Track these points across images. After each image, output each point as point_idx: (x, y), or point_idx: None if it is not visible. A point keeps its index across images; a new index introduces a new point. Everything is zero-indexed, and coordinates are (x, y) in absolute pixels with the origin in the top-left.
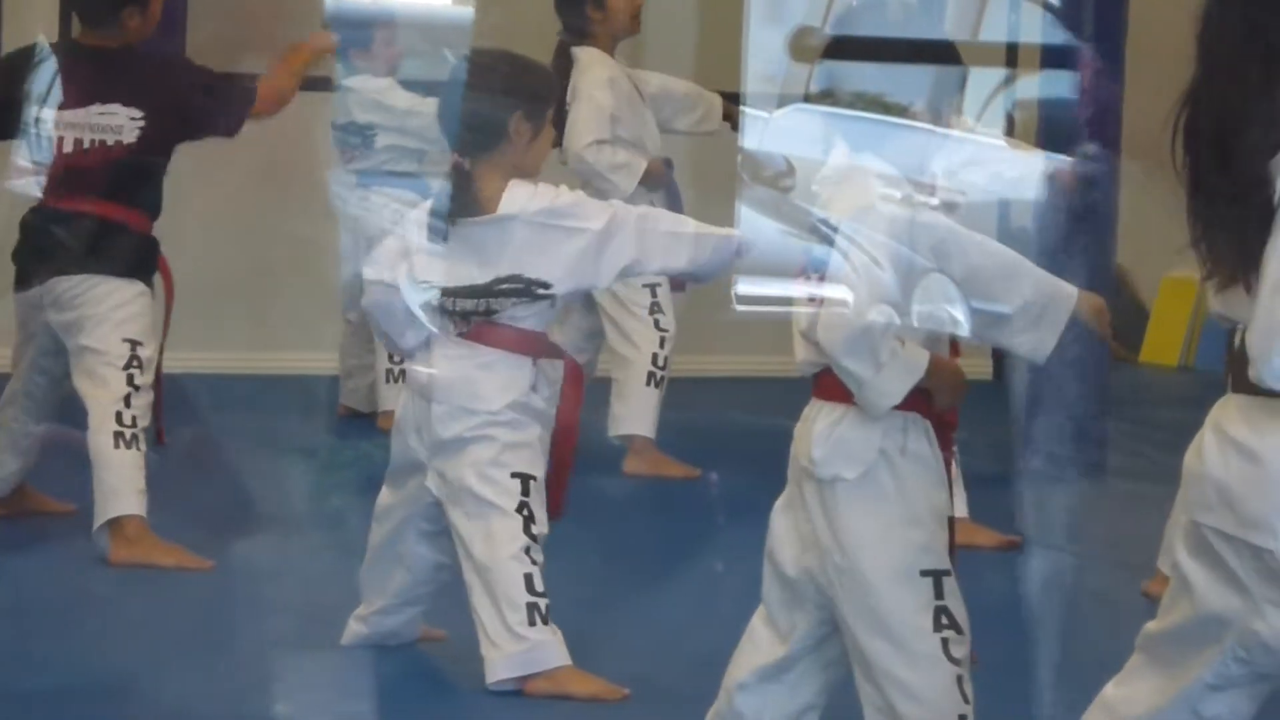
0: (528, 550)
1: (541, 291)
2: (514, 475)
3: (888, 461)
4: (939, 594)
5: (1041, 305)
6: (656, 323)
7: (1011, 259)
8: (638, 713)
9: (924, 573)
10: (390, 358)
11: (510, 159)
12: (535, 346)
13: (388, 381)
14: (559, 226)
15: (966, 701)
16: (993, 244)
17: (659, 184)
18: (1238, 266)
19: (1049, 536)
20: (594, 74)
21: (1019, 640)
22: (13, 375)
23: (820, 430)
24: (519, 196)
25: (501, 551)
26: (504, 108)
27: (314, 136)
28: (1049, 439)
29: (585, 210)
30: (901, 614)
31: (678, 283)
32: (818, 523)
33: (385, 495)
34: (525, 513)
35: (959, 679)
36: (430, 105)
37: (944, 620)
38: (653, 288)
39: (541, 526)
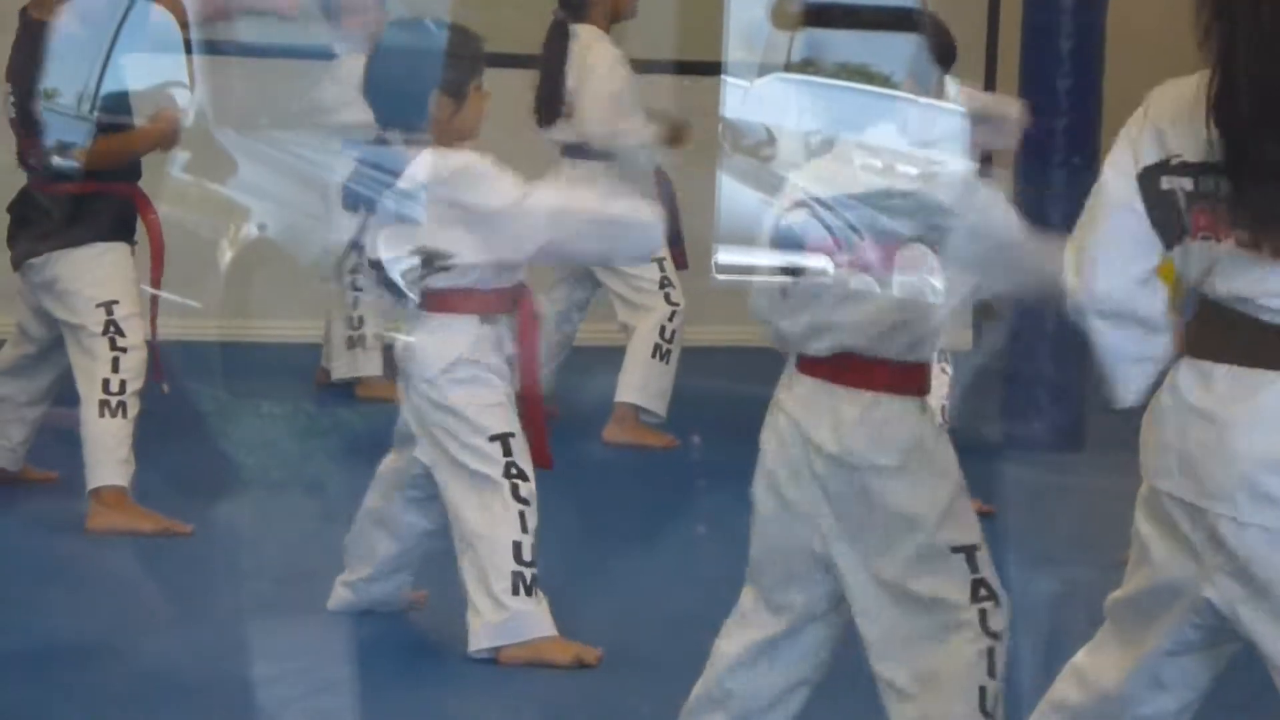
0: (521, 516)
1: (442, 263)
2: (493, 439)
3: (920, 445)
4: (974, 568)
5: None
6: (667, 296)
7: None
8: (613, 676)
9: (955, 549)
10: (349, 323)
11: (436, 133)
12: (482, 304)
13: (349, 348)
14: (462, 199)
15: (992, 675)
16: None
17: (681, 143)
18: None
19: (1024, 508)
20: (604, 50)
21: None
22: (15, 351)
23: (850, 418)
24: (424, 167)
25: (493, 519)
26: (423, 84)
27: (296, 102)
28: (1027, 408)
29: (493, 184)
30: (938, 592)
31: (679, 261)
32: (839, 506)
33: (385, 462)
34: (513, 472)
35: (990, 651)
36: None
37: (982, 592)
38: (660, 262)
39: (530, 482)
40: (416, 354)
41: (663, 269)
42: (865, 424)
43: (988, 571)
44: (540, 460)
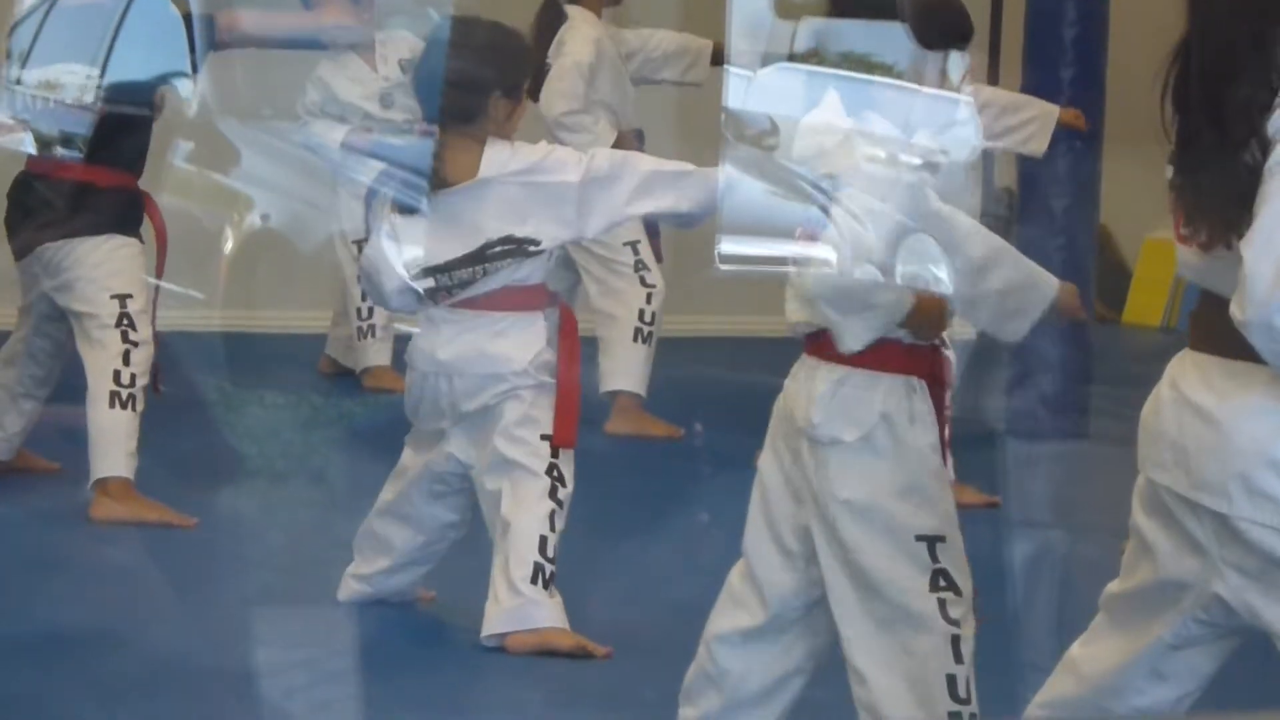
0: (551, 515)
1: (533, 249)
2: (544, 437)
3: (889, 426)
4: (934, 558)
5: (1020, 294)
6: (642, 279)
7: (996, 244)
8: (619, 663)
9: (919, 538)
10: (359, 314)
11: (486, 131)
12: (541, 300)
13: (360, 339)
14: (538, 183)
15: (959, 661)
16: (977, 229)
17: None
18: (1221, 226)
19: (1030, 497)
20: (582, 33)
21: (997, 600)
22: (14, 338)
23: (821, 392)
24: (498, 158)
25: (524, 511)
26: (483, 86)
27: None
28: (1032, 400)
29: (561, 163)
30: (896, 576)
31: (656, 247)
32: (814, 482)
33: (406, 457)
34: (554, 474)
35: (955, 639)
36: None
37: (941, 582)
38: (634, 245)
39: (568, 487)
40: (484, 356)
41: (636, 252)
42: (832, 398)
43: (950, 564)
44: (564, 438)
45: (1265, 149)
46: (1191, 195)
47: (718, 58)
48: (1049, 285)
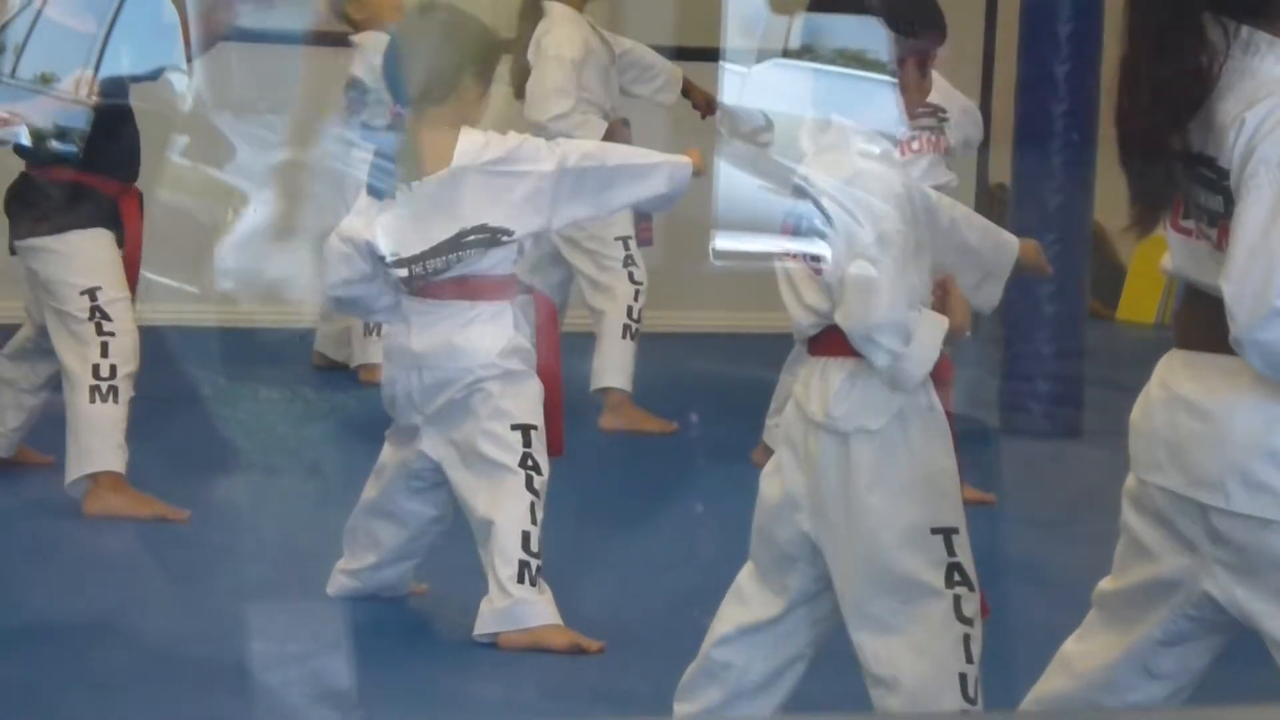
0: (531, 508)
1: (506, 239)
2: (514, 427)
3: (903, 419)
4: (950, 551)
5: (989, 257)
6: (631, 275)
7: (964, 212)
8: (612, 658)
9: (935, 530)
10: None
11: (456, 114)
12: (510, 290)
13: (365, 334)
14: (512, 172)
15: (970, 661)
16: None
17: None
18: (1149, 209)
19: (1024, 494)
20: (562, 31)
21: (991, 596)
22: (21, 334)
23: (839, 385)
24: (471, 147)
25: (504, 508)
26: (454, 65)
27: (303, 91)
28: (1026, 397)
29: (535, 152)
30: (913, 572)
31: (645, 237)
32: (827, 479)
33: (385, 453)
34: (529, 464)
35: (966, 638)
36: None
37: (956, 577)
38: (625, 240)
39: (544, 476)
40: (451, 349)
41: (627, 247)
42: (850, 389)
43: (964, 557)
44: (553, 447)
45: (1227, 164)
46: (1138, 189)
47: (686, 88)
48: (1011, 243)
